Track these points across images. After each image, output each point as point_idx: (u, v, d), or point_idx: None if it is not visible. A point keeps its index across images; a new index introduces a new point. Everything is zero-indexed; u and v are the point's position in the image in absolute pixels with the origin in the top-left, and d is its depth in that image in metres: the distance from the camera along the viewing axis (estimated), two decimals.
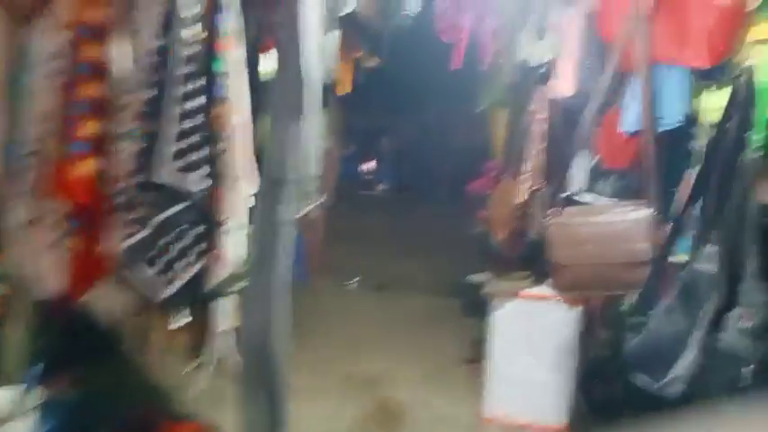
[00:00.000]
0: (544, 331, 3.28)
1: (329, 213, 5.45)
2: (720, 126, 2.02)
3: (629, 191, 3.35)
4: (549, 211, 2.56)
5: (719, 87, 2.37)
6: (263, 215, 1.93)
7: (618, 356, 2.36)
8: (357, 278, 5.77)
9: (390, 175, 10.12)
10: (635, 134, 2.53)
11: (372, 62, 3.52)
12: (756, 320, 1.84)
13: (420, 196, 8.67)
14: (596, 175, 3.41)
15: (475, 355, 3.89)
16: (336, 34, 2.28)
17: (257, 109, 2.08)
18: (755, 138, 1.87)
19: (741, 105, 1.91)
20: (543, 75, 2.90)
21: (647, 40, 2.36)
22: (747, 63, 1.96)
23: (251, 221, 2.02)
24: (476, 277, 3.48)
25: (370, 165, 10.79)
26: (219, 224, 2.00)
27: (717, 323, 1.90)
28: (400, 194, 9.45)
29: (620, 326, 3.10)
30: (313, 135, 2.00)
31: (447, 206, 6.93)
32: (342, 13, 2.27)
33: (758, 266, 1.88)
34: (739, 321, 1.87)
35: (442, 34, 3.16)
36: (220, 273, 2.02)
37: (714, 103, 2.36)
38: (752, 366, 1.83)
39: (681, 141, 2.71)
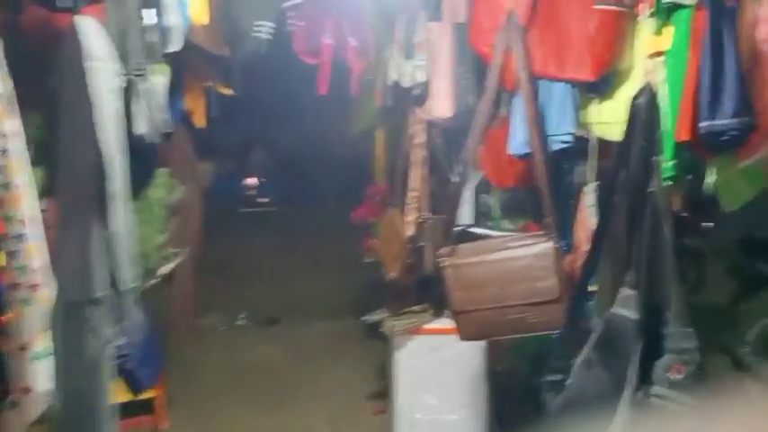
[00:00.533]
0: (450, 366, 2.98)
1: (208, 245, 4.92)
2: (621, 151, 1.76)
3: (516, 204, 3.13)
4: (441, 251, 2.22)
5: (602, 101, 2.15)
6: (67, 343, 1.45)
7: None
8: (243, 314, 5.23)
9: (274, 189, 9.60)
10: (524, 156, 2.25)
11: (227, 90, 3.06)
12: (689, 370, 1.59)
13: (306, 210, 8.22)
14: (482, 190, 3.17)
15: (381, 388, 3.55)
16: (162, 79, 1.82)
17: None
18: (665, 165, 1.61)
19: (644, 128, 1.65)
20: (418, 96, 2.56)
21: (524, 54, 2.08)
22: (647, 80, 1.70)
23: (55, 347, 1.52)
24: (371, 316, 3.13)
25: (252, 180, 10.23)
26: (18, 352, 1.48)
27: (644, 376, 1.63)
28: (285, 209, 8.94)
29: (530, 357, 2.87)
30: (123, 231, 1.54)
31: (335, 219, 6.48)
32: (168, 51, 1.81)
33: (682, 308, 1.63)
34: (669, 372, 1.61)
35: (302, 56, 2.75)
36: (31, 411, 1.51)
37: (607, 116, 2.13)
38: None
39: (571, 158, 2.49)
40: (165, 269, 2.59)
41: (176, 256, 2.67)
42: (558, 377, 1.80)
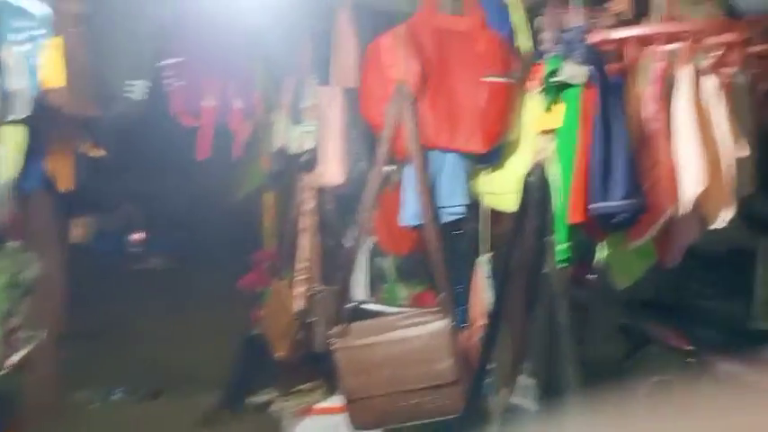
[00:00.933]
0: None
1: (83, 309, 4.44)
2: (515, 228, 1.69)
3: (412, 268, 3.04)
4: (332, 331, 2.06)
5: (492, 172, 2.11)
6: None
7: None
8: (121, 388, 4.72)
9: (158, 249, 9.04)
10: (417, 227, 2.16)
11: (97, 152, 2.78)
12: None
13: (193, 271, 7.76)
14: (376, 254, 3.06)
15: None
16: (11, 145, 1.57)
17: None
18: (559, 248, 1.55)
19: (537, 208, 1.59)
20: (306, 162, 2.43)
21: (415, 125, 2.01)
22: (538, 158, 1.65)
23: None
24: (259, 397, 2.89)
25: (139, 236, 9.59)
26: None
27: None
28: (169, 270, 8.42)
29: None
30: None
31: (224, 282, 6.12)
32: (13, 117, 1.57)
33: (581, 395, 1.55)
34: None
35: (181, 118, 2.55)
36: None
37: (498, 187, 2.09)
38: None
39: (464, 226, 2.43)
40: (16, 357, 2.24)
41: (31, 339, 2.32)
42: None
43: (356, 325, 2.06)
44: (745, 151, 1.56)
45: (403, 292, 2.96)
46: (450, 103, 2.04)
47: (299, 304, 2.56)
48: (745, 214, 1.97)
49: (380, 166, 2.11)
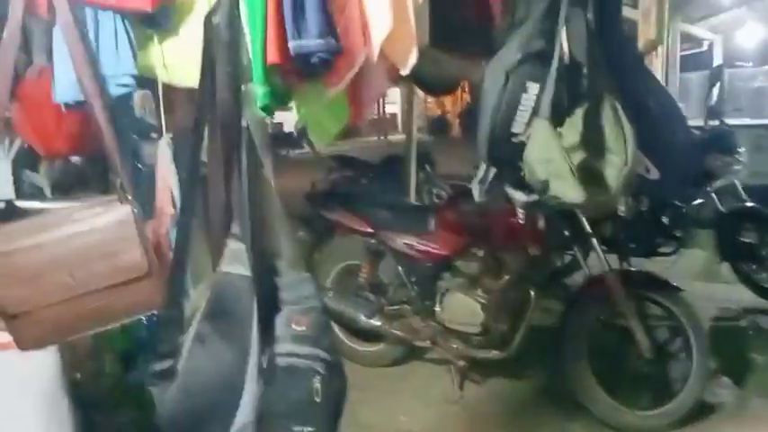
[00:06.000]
0: (14, 389, 2.23)
1: None
2: (202, 84, 1.43)
3: (73, 178, 2.55)
4: None
5: (164, 40, 1.80)
6: None
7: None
8: None
9: None
10: (76, 105, 1.74)
11: None
12: (312, 318, 1.41)
13: None
14: (27, 164, 2.46)
15: None
16: None
17: None
18: (257, 93, 1.36)
19: (227, 51, 1.36)
20: None
21: None
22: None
23: None
24: None
25: None
26: None
27: (267, 336, 1.38)
28: None
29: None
30: None
31: None
32: None
33: (294, 252, 1.43)
34: (291, 325, 1.40)
35: None
36: None
37: (172, 58, 1.79)
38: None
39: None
40: None
41: None
42: (167, 364, 1.41)
43: (10, 227, 1.58)
44: None
45: None
46: None
47: None
48: (416, 75, 2.06)
49: (14, 32, 1.60)
